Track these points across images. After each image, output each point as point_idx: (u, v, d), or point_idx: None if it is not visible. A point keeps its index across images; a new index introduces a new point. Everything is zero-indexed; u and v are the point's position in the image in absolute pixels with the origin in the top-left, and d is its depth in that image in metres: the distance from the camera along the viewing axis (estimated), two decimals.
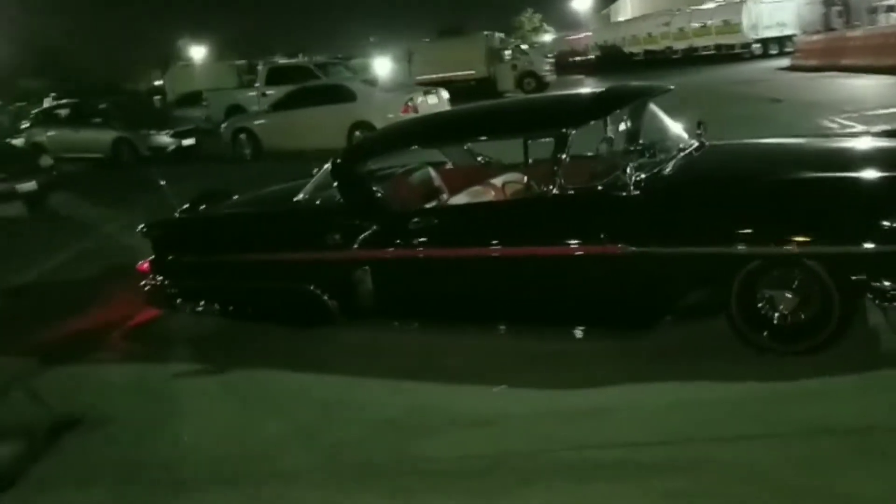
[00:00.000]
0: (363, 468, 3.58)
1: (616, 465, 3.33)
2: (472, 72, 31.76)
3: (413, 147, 5.27)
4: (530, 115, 5.17)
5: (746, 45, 35.09)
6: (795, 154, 5.02)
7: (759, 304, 4.11)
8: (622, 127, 5.35)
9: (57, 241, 9.62)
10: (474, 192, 5.42)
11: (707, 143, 5.30)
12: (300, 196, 5.47)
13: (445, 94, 15.89)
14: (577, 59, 55.31)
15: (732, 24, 36.34)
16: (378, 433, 3.91)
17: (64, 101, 21.78)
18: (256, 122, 15.88)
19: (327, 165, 5.33)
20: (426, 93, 15.04)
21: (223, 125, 16.83)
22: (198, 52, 59.22)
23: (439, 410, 4.06)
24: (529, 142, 5.45)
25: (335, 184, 5.20)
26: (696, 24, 39.81)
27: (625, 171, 4.30)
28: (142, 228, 6.00)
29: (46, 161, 12.40)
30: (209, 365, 5.10)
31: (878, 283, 3.79)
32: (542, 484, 3.24)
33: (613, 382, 4.06)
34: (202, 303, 5.71)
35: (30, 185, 11.63)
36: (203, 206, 6.32)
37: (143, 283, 5.93)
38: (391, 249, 4.88)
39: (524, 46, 34.53)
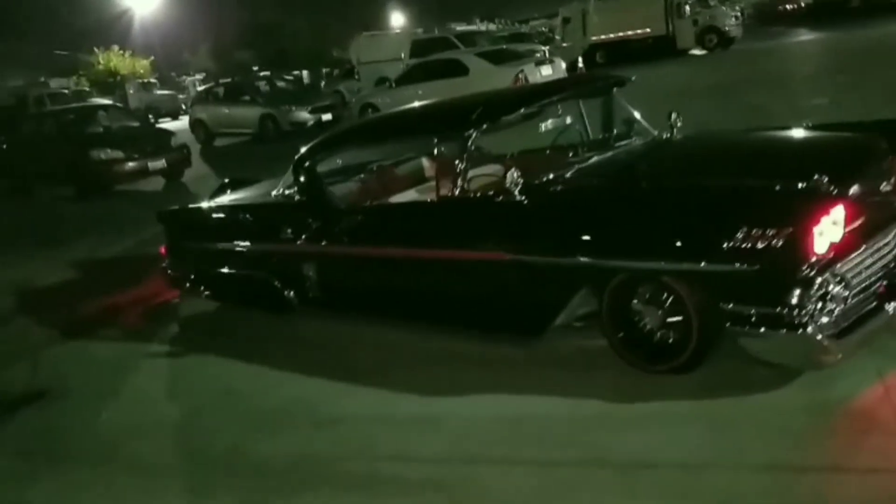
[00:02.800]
0: (195, 458, 3.96)
1: (386, 478, 3.46)
2: (649, 30, 30.34)
3: (355, 146, 5.43)
4: (439, 116, 5.16)
5: None
6: (710, 155, 4.66)
7: (630, 319, 3.95)
8: (561, 122, 5.23)
9: None
10: (422, 190, 5.51)
11: (663, 138, 5.07)
12: (278, 189, 5.80)
13: (563, 65, 15.52)
14: (788, 7, 51.08)
15: None
16: (239, 424, 4.25)
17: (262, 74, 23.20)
18: (380, 98, 16.41)
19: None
20: (538, 63, 14.76)
21: (353, 100, 17.57)
22: (397, 20, 60.95)
23: (307, 406, 4.29)
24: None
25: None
26: None
27: (510, 176, 4.23)
28: (157, 215, 6.63)
29: (177, 141, 13.69)
30: (180, 347, 5.64)
31: (730, 306, 3.52)
32: (309, 493, 3.43)
33: (473, 390, 4.10)
34: (200, 286, 6.26)
35: (160, 163, 12.97)
36: (226, 193, 6.87)
37: (163, 265, 6.56)
38: (325, 244, 5.11)
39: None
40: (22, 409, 4.95)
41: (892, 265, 3.85)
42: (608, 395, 3.78)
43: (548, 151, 5.47)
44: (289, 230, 5.31)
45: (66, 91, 35.05)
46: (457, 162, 4.49)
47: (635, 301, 3.91)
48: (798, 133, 4.83)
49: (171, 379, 5.15)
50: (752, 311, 3.47)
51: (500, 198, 4.25)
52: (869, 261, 3.69)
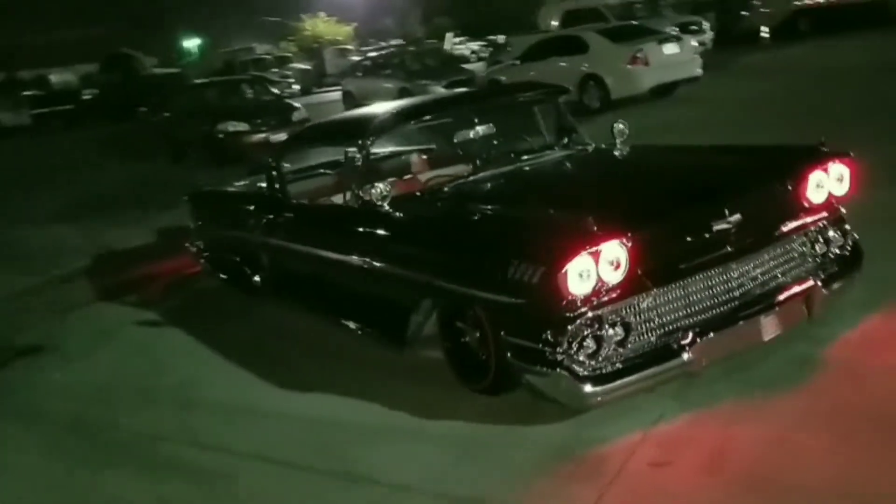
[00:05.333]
0: (74, 425, 4.54)
1: (183, 463, 3.88)
2: None
3: (304, 148, 5.77)
4: (345, 126, 5.36)
5: None
6: (573, 179, 4.56)
7: (454, 338, 4.02)
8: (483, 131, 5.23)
9: None
10: None
11: (578, 153, 5.01)
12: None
13: (693, 42, 14.54)
14: None
15: None
16: (132, 398, 4.80)
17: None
18: (506, 74, 16.22)
19: None
20: (661, 41, 13.97)
21: (482, 74, 17.58)
22: None
23: (190, 387, 4.79)
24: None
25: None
26: None
27: (377, 188, 4.39)
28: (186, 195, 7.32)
29: (300, 115, 14.57)
30: (169, 318, 6.26)
31: (508, 337, 3.53)
32: (114, 470, 3.91)
33: (322, 389, 4.36)
34: (207, 264, 6.91)
35: (281, 136, 13.86)
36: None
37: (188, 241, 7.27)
38: (272, 235, 5.52)
39: None
40: (11, 363, 5.79)
41: (720, 307, 3.62)
42: (416, 409, 3.93)
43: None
44: (253, 219, 5.77)
45: (268, 56, 37.79)
46: (357, 168, 4.73)
47: (459, 322, 3.97)
48: (681, 157, 4.61)
49: (136, 348, 5.77)
50: (522, 345, 3.47)
51: (377, 206, 4.40)
52: (673, 302, 3.52)
